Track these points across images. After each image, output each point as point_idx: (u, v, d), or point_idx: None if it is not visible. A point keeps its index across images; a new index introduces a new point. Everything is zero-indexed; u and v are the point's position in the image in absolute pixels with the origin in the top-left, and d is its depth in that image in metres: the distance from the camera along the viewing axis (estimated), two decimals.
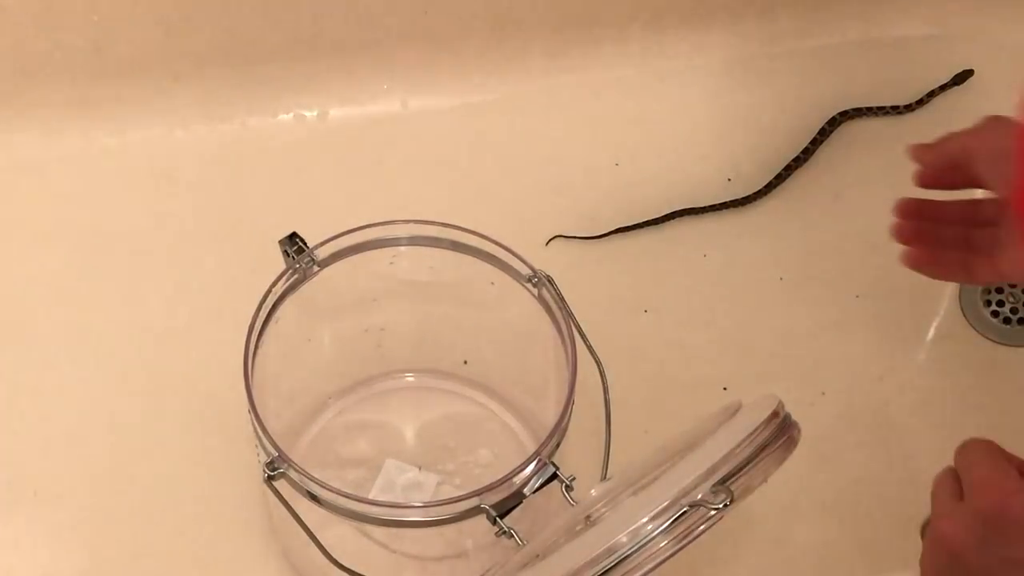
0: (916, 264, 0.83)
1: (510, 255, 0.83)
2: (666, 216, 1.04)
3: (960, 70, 1.12)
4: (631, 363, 0.96)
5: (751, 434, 0.67)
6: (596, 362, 0.84)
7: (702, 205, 1.05)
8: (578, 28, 1.12)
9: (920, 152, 0.82)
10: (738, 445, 0.67)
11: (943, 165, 0.80)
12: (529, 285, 0.83)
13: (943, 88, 1.12)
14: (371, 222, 0.84)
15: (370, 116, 1.09)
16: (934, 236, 0.83)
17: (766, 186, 1.06)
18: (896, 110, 1.11)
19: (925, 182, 0.81)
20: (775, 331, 1.00)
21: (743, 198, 1.06)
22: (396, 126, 1.09)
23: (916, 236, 0.83)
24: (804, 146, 1.08)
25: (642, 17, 1.12)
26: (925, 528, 0.72)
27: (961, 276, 0.84)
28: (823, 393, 0.96)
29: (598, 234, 1.03)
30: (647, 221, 1.04)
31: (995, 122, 0.78)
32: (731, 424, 0.71)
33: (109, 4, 1.01)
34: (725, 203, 1.05)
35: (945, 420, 0.96)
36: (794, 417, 0.70)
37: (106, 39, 1.03)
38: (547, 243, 1.02)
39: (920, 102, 1.12)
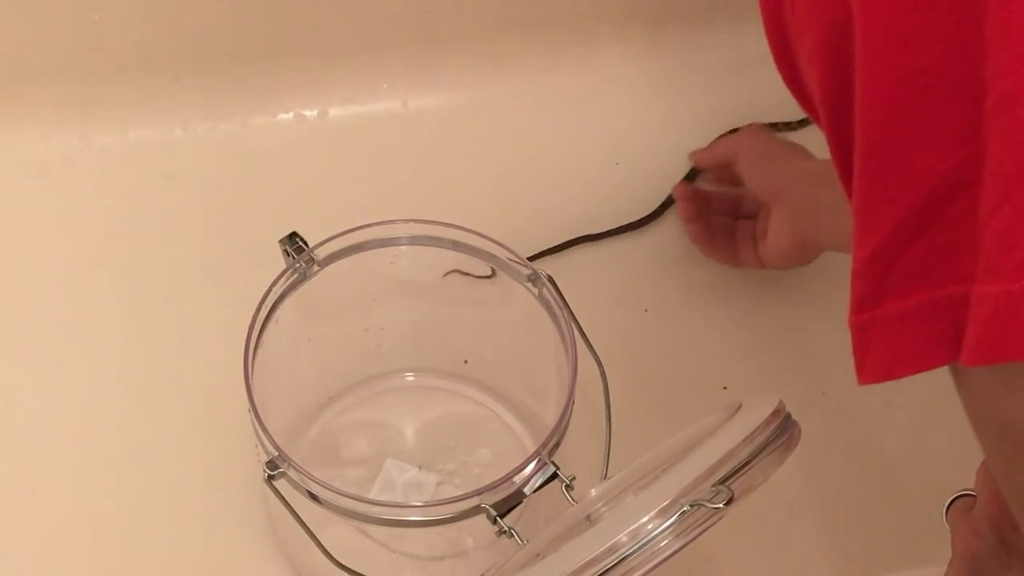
0: (694, 239, 0.99)
1: (510, 254, 0.83)
2: (565, 244, 1.01)
3: None
4: (631, 362, 0.96)
5: (751, 434, 0.68)
6: (596, 362, 0.84)
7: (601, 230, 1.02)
8: (578, 28, 1.12)
9: (698, 156, 1.03)
10: (738, 445, 0.67)
11: (716, 165, 1.00)
12: (529, 284, 0.83)
13: None
14: (371, 221, 0.84)
15: (370, 116, 1.09)
16: (707, 220, 0.99)
17: (660, 206, 1.04)
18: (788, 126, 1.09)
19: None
20: (775, 330, 0.99)
21: (639, 220, 1.03)
22: (396, 126, 1.09)
23: (695, 215, 0.99)
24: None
25: (642, 17, 1.12)
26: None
27: (731, 262, 0.98)
28: (823, 393, 0.96)
29: (486, 274, 0.87)
30: (552, 248, 1.00)
31: (756, 129, 0.97)
32: (731, 424, 0.71)
33: (109, 4, 1.01)
34: (623, 226, 1.02)
35: (945, 420, 0.96)
36: (794, 417, 0.70)
37: (106, 39, 1.03)
38: (444, 276, 0.87)
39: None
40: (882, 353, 0.54)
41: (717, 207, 1.00)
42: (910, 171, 0.50)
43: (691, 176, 1.04)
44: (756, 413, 0.69)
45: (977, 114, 0.48)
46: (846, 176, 0.52)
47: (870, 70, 0.49)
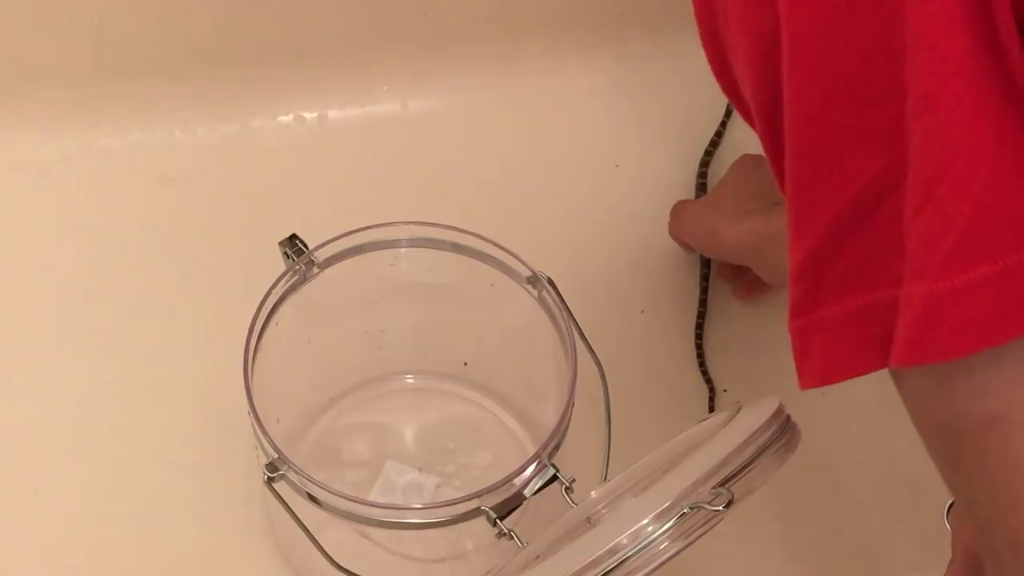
0: (744, 297, 0.99)
1: (510, 256, 0.83)
2: None
3: None
4: (632, 364, 0.96)
5: (752, 436, 0.68)
6: (596, 363, 0.84)
7: None
8: (578, 30, 1.12)
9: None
10: (739, 447, 0.67)
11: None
12: (529, 287, 0.83)
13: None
14: (371, 224, 0.84)
15: (370, 118, 1.09)
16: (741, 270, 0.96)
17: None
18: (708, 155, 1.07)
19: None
20: (775, 332, 0.99)
21: None
22: (396, 127, 1.09)
23: (732, 276, 0.98)
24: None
25: (642, 19, 1.12)
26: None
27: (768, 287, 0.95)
28: (823, 394, 0.96)
29: None
30: None
31: (677, 213, 0.97)
32: (731, 426, 0.71)
33: (109, 4, 1.01)
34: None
35: None
36: (794, 419, 0.70)
37: (106, 39, 1.03)
38: None
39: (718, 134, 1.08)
40: (819, 358, 0.55)
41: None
42: (838, 175, 0.50)
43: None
44: (756, 415, 0.69)
45: (901, 117, 0.48)
46: (783, 182, 0.53)
47: (796, 76, 0.50)
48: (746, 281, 0.98)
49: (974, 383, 0.51)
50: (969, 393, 0.51)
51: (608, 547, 0.64)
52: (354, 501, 0.75)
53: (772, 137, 0.53)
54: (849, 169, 0.50)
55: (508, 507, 0.74)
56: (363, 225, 0.83)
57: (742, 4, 0.52)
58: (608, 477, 0.81)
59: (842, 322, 0.53)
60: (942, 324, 0.49)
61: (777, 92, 0.51)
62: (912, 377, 0.54)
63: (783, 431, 0.69)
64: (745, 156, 0.96)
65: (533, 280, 0.83)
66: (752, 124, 0.55)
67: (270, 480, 0.75)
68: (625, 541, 0.64)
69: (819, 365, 0.55)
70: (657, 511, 0.64)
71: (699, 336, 0.98)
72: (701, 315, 0.99)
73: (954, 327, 0.49)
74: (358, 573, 0.76)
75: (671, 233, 1.00)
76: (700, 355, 0.98)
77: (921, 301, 0.49)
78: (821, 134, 0.50)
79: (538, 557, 0.71)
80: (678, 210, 0.99)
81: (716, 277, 1.00)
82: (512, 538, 0.73)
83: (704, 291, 0.99)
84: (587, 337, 0.83)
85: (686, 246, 0.99)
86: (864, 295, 0.52)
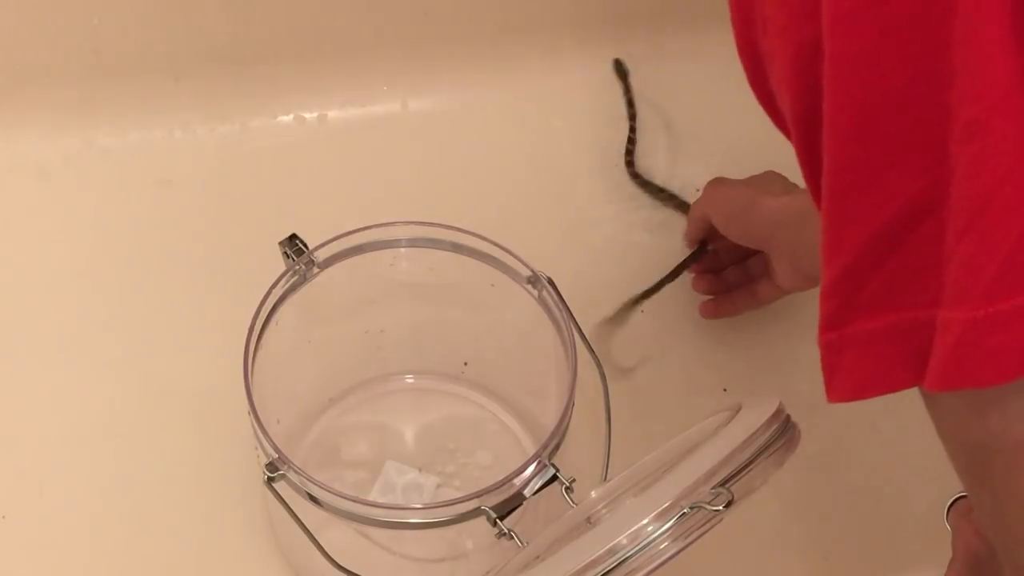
0: (710, 315, 0.98)
1: (510, 256, 0.83)
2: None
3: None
4: (632, 364, 0.96)
5: (752, 436, 0.68)
6: (596, 364, 0.84)
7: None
8: (578, 29, 1.12)
9: (686, 236, 0.98)
10: (739, 447, 0.67)
11: (702, 236, 0.96)
12: (529, 287, 0.83)
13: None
14: (371, 223, 0.84)
15: (370, 117, 1.09)
16: (723, 284, 0.97)
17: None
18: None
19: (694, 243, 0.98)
20: (775, 331, 0.99)
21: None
22: (396, 127, 1.09)
23: (710, 289, 0.97)
24: None
25: (642, 19, 1.12)
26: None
27: (750, 305, 0.96)
28: (823, 394, 0.96)
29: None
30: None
31: (715, 185, 0.94)
32: (731, 426, 0.71)
33: (109, 5, 1.01)
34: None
35: None
36: (794, 419, 0.70)
37: (106, 40, 1.03)
38: None
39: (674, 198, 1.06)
40: (850, 373, 0.54)
41: (726, 259, 0.97)
42: (877, 193, 0.50)
43: (700, 250, 0.97)
44: (756, 415, 0.69)
45: (944, 139, 0.48)
46: (818, 195, 0.52)
47: (837, 92, 0.49)
48: (721, 298, 0.97)
49: (1010, 408, 0.51)
50: (1004, 417, 0.52)
51: (608, 547, 0.64)
52: (354, 501, 0.75)
53: (808, 149, 0.52)
54: (888, 188, 0.50)
55: (508, 507, 0.74)
56: (363, 225, 0.83)
57: (784, 15, 0.51)
58: (608, 477, 0.81)
59: (875, 339, 0.53)
60: (981, 351, 0.49)
61: (815, 104, 0.50)
62: (947, 398, 0.53)
63: (783, 431, 0.68)
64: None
65: (533, 280, 0.83)
66: (787, 135, 0.54)
67: (270, 480, 0.75)
68: (625, 541, 0.64)
69: (849, 380, 0.55)
70: (657, 511, 0.64)
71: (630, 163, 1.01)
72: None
73: (993, 354, 0.49)
74: (358, 573, 0.76)
75: (694, 208, 0.96)
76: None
77: (961, 327, 0.49)
78: (861, 151, 0.50)
79: (538, 557, 0.71)
80: (714, 183, 0.95)
81: (692, 290, 0.98)
82: (512, 538, 0.73)
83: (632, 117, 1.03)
84: (587, 337, 0.83)
85: (699, 228, 0.96)
86: (899, 313, 0.52)
